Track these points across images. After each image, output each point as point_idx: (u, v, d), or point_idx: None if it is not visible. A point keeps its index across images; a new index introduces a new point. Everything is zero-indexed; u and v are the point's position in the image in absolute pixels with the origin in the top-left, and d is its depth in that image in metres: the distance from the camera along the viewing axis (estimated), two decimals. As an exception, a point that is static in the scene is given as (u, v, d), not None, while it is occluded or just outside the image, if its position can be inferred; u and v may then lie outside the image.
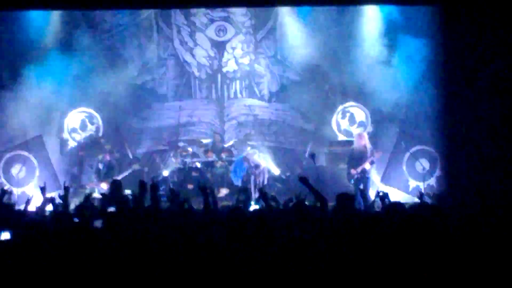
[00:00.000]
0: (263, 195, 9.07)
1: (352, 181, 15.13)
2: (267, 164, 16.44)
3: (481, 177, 14.93)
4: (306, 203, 7.89)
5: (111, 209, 8.86)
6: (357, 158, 15.22)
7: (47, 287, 5.45)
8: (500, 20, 15.07)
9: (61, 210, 9.40)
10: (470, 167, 15.24)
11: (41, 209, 8.62)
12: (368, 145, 15.43)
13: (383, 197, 9.48)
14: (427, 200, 11.23)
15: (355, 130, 17.51)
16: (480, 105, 15.43)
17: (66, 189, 9.54)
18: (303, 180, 8.38)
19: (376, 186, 15.92)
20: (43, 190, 9.71)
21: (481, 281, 5.41)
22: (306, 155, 17.23)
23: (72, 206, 9.58)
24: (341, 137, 17.62)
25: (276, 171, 16.54)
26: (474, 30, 15.31)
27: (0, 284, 5.45)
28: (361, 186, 14.99)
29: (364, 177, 15.12)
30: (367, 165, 15.11)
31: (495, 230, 6.43)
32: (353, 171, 15.10)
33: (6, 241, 6.68)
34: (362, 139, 15.43)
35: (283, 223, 7.04)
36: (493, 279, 5.44)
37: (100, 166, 16.04)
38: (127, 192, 12.75)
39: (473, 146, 15.40)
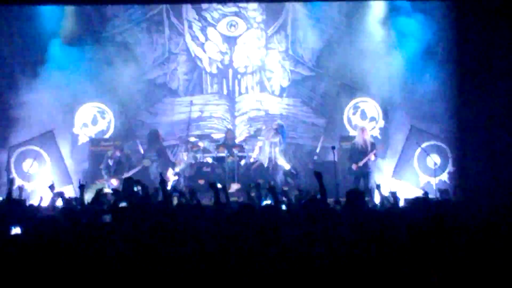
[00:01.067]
0: (271, 190, 9.07)
1: (353, 176, 15.19)
2: (279, 161, 16.41)
3: (492, 172, 14.91)
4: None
5: (123, 204, 8.89)
6: (359, 152, 15.29)
7: (57, 282, 5.46)
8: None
9: (73, 205, 9.44)
10: (482, 162, 15.23)
11: (51, 205, 8.65)
12: (370, 139, 15.49)
13: (394, 193, 9.47)
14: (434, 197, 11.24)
15: (366, 125, 17.49)
16: (491, 99, 15.39)
17: (82, 186, 9.60)
18: (318, 175, 8.34)
19: (386, 180, 15.91)
20: (51, 188, 9.75)
21: (492, 278, 5.39)
22: (317, 150, 17.24)
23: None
24: (352, 132, 17.55)
25: (287, 166, 16.51)
26: (486, 23, 15.27)
27: (10, 278, 5.46)
28: (361, 181, 15.06)
29: (365, 172, 15.18)
30: (372, 157, 15.20)
31: (507, 225, 6.41)
32: (354, 166, 15.15)
33: (16, 236, 6.70)
34: (365, 133, 15.49)
35: (295, 219, 7.03)
36: (505, 274, 5.42)
37: (110, 162, 16.06)
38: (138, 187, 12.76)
39: (484, 141, 15.38)
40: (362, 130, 15.67)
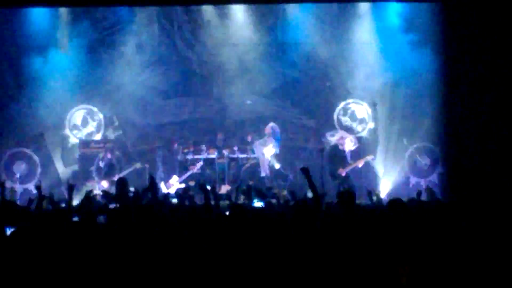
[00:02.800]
0: (248, 192, 9.08)
1: (336, 180, 15.22)
2: (271, 162, 16.46)
3: (482, 174, 14.99)
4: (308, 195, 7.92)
5: (113, 206, 8.91)
6: (341, 157, 15.33)
7: (52, 283, 5.48)
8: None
9: (63, 207, 9.45)
10: (471, 163, 15.32)
11: (38, 207, 8.65)
12: (347, 149, 15.58)
13: (378, 195, 9.55)
14: (425, 197, 11.29)
15: (356, 126, 17.57)
16: (481, 98, 15.49)
17: (71, 187, 9.60)
18: (305, 171, 8.16)
19: (376, 181, 15.99)
20: (38, 189, 9.74)
21: (482, 277, 5.43)
22: (307, 151, 17.28)
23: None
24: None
25: (278, 167, 16.56)
26: (476, 21, 15.36)
27: (6, 279, 5.48)
28: (342, 187, 15.12)
29: (347, 177, 15.23)
30: (360, 164, 15.30)
31: (496, 225, 6.46)
32: (341, 171, 15.15)
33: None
34: (344, 142, 15.56)
35: (284, 220, 7.06)
36: (494, 274, 5.46)
37: (101, 164, 16.06)
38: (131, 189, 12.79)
39: (473, 142, 15.47)
40: (344, 138, 15.76)
